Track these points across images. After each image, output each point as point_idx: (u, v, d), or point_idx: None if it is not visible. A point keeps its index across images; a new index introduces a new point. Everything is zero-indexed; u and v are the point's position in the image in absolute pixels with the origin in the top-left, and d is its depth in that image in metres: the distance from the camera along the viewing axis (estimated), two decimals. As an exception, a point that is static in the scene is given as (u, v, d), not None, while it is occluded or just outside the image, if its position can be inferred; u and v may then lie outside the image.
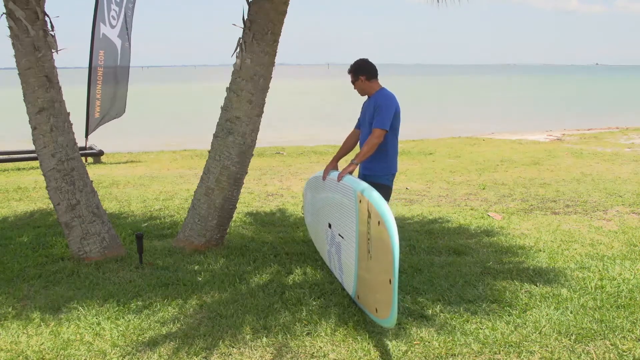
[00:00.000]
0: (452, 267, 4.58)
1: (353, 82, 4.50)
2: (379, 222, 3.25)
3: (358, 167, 4.33)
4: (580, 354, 3.17)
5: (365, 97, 4.51)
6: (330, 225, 4.26)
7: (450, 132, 17.24)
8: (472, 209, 6.79)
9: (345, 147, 4.64)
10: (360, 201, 3.56)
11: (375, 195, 3.44)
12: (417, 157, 11.89)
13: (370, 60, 4.47)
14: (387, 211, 3.24)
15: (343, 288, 4.11)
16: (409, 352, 3.21)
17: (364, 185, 3.70)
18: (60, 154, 4.68)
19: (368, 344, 3.30)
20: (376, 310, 3.36)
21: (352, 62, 4.54)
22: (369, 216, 3.38)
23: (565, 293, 3.99)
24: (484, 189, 8.15)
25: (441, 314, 3.69)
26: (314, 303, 3.88)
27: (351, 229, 3.71)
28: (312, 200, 4.91)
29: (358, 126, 4.61)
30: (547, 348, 3.23)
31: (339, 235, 4.03)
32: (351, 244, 3.73)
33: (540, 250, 5.05)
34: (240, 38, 4.88)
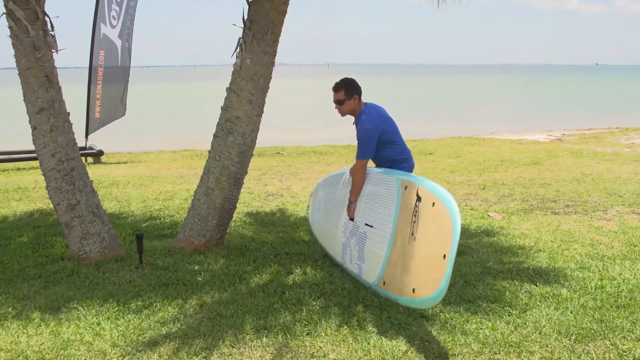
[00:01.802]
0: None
1: (342, 101, 4.34)
2: (433, 204, 3.46)
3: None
4: (580, 354, 3.17)
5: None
6: (352, 218, 4.36)
7: (450, 132, 17.24)
8: (472, 209, 6.79)
9: None
10: (405, 187, 3.78)
11: (426, 181, 3.69)
12: (417, 157, 11.88)
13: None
14: (444, 193, 3.46)
15: (344, 288, 4.11)
16: (409, 352, 3.21)
17: (409, 174, 4.01)
18: (60, 154, 4.68)
19: (368, 344, 3.31)
20: (413, 290, 3.42)
21: (341, 79, 4.43)
22: (418, 200, 3.58)
23: (565, 293, 3.99)
24: (484, 189, 8.15)
25: (441, 314, 3.69)
26: (314, 303, 3.88)
27: (388, 216, 3.87)
28: (327, 197, 4.96)
29: None
30: (547, 348, 3.23)
31: (366, 224, 4.13)
32: (385, 230, 3.87)
33: (540, 250, 5.05)
34: (240, 38, 4.88)
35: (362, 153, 4.28)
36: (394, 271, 3.70)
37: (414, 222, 3.55)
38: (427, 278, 3.33)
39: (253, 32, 4.81)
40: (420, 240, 3.49)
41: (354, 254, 4.26)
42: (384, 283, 3.81)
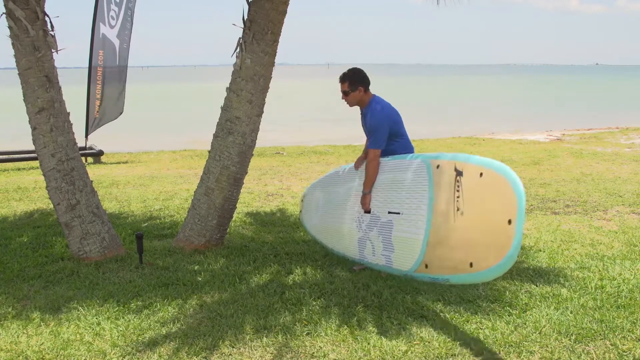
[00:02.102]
0: (452, 267, 4.57)
1: (347, 92, 4.37)
2: (480, 174, 3.40)
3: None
4: (580, 354, 3.17)
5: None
6: (369, 210, 4.31)
7: (450, 132, 17.24)
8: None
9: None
10: (437, 166, 3.72)
11: (461, 155, 3.65)
12: (417, 157, 11.87)
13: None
14: (492, 161, 3.41)
15: (344, 288, 4.11)
16: (409, 352, 3.21)
17: (436, 153, 3.90)
18: (60, 154, 4.68)
19: (368, 344, 3.31)
20: (471, 264, 3.32)
21: (348, 68, 4.45)
22: (459, 174, 3.51)
23: (565, 293, 3.99)
24: (484, 189, 8.14)
25: (441, 314, 3.69)
26: (314, 303, 3.88)
27: (419, 198, 3.80)
28: (327, 197, 4.91)
29: None
30: (547, 348, 3.23)
31: (390, 212, 4.06)
32: (418, 213, 3.79)
33: (540, 250, 5.05)
34: (240, 38, 4.88)
35: (376, 142, 4.26)
36: (438, 252, 3.60)
37: (458, 197, 3.48)
38: (487, 248, 3.24)
39: (253, 32, 4.81)
40: (471, 213, 3.42)
41: (378, 246, 4.17)
42: (426, 266, 3.69)
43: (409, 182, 3.97)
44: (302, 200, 5.35)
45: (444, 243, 3.58)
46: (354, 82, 4.36)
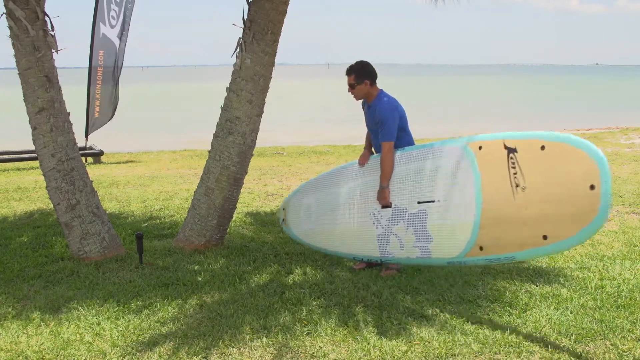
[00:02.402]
0: (452, 267, 4.57)
1: (353, 85, 4.36)
2: (542, 147, 3.32)
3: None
4: (580, 354, 3.17)
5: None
6: (389, 204, 4.21)
7: (450, 132, 17.23)
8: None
9: (367, 138, 4.66)
10: (480, 147, 3.64)
11: (503, 133, 3.58)
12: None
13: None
14: (550, 133, 3.36)
15: (344, 288, 4.11)
16: (409, 352, 3.21)
17: (467, 137, 3.86)
18: (60, 154, 4.68)
19: (368, 344, 3.31)
20: (545, 237, 3.28)
21: (353, 62, 4.43)
22: (512, 151, 3.44)
23: (565, 293, 3.99)
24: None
25: (441, 314, 3.69)
26: (314, 303, 3.88)
27: (462, 182, 3.70)
28: (324, 199, 4.73)
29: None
30: (547, 348, 3.23)
31: (420, 202, 3.97)
32: (464, 197, 3.67)
33: (540, 250, 5.04)
34: (240, 38, 4.88)
35: (389, 134, 4.23)
36: (496, 231, 3.52)
37: (515, 174, 3.41)
38: (564, 219, 3.21)
39: (253, 32, 4.81)
40: (537, 187, 3.35)
41: (408, 239, 4.05)
42: (481, 248, 3.59)
43: (444, 169, 3.86)
44: (283, 209, 5.19)
45: (503, 222, 3.49)
46: (360, 75, 4.34)
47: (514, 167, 3.43)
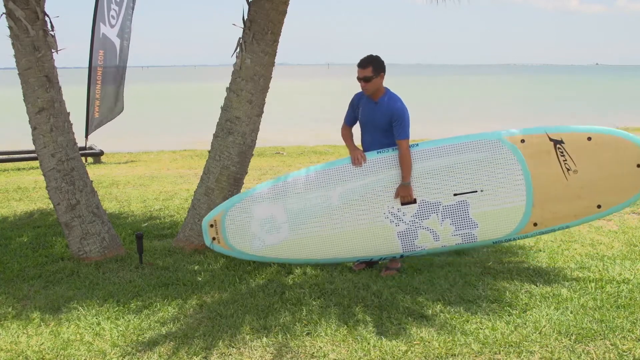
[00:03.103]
0: (452, 267, 4.58)
1: (369, 79, 4.18)
2: (589, 138, 4.21)
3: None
4: (580, 354, 3.17)
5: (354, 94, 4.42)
6: (414, 200, 4.28)
7: (450, 132, 17.22)
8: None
9: (350, 137, 4.57)
10: (522, 141, 4.24)
11: (537, 127, 4.29)
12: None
13: None
14: (589, 127, 4.25)
15: (343, 288, 4.11)
16: (409, 352, 3.21)
17: (498, 131, 4.33)
18: (60, 154, 4.68)
19: (368, 344, 3.31)
20: (599, 206, 4.22)
21: (357, 60, 4.32)
22: (558, 143, 4.21)
23: (565, 293, 3.99)
24: (484, 189, 8.14)
25: (441, 314, 3.69)
26: (314, 303, 3.88)
27: (510, 171, 4.22)
28: (315, 202, 4.34)
29: (349, 122, 4.54)
30: (547, 348, 3.23)
31: (455, 195, 4.25)
32: (514, 184, 4.21)
33: (540, 250, 5.05)
34: (240, 38, 4.89)
35: (406, 131, 4.22)
36: (551, 208, 4.25)
37: (564, 160, 4.19)
38: (616, 190, 4.21)
39: (253, 32, 4.81)
40: (588, 169, 4.20)
41: (445, 230, 4.28)
42: (535, 224, 4.28)
43: (482, 162, 4.23)
44: (210, 226, 4.49)
45: (556, 200, 4.24)
46: (378, 68, 4.21)
47: (563, 155, 4.21)
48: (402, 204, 4.28)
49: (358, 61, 4.31)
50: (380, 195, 4.32)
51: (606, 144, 4.20)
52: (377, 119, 4.31)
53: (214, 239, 4.50)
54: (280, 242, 4.42)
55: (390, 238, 4.35)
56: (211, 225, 4.50)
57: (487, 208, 4.26)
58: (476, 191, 4.25)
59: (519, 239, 4.43)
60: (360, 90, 4.38)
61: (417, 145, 4.34)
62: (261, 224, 4.41)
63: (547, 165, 4.22)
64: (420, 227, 4.31)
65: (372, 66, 4.20)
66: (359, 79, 4.25)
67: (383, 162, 4.33)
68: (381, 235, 4.35)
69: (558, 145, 4.21)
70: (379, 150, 4.35)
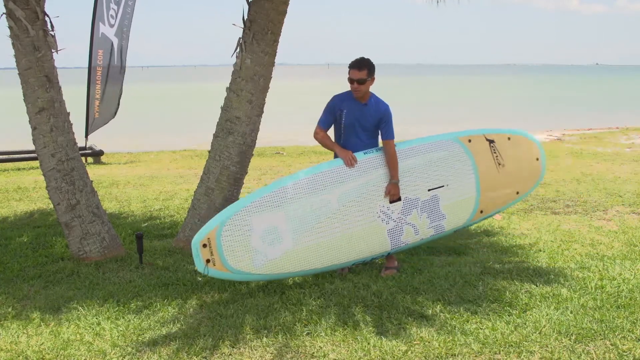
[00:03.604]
0: (452, 267, 4.58)
1: (363, 81, 4.18)
2: (508, 138, 4.95)
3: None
4: (580, 354, 3.17)
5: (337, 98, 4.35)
6: (399, 198, 4.42)
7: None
8: (472, 209, 6.78)
9: (330, 139, 4.45)
10: (469, 140, 4.77)
11: (480, 129, 4.91)
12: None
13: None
14: (509, 129, 5.08)
15: (343, 288, 4.11)
16: (409, 352, 3.21)
17: (460, 131, 4.85)
18: (60, 154, 4.68)
19: (368, 344, 3.31)
20: (517, 192, 5.00)
21: (360, 57, 4.28)
22: (491, 142, 4.85)
23: (565, 293, 3.99)
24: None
25: (441, 314, 3.69)
26: (314, 303, 3.88)
27: (463, 167, 4.70)
28: (312, 208, 4.12)
29: (326, 126, 4.40)
30: (547, 348, 3.23)
31: (430, 190, 4.53)
32: (467, 177, 4.71)
33: (540, 250, 5.05)
34: (240, 38, 4.89)
35: (392, 132, 4.38)
36: (490, 196, 4.84)
37: (496, 156, 4.85)
38: (526, 179, 5.04)
39: (253, 32, 4.82)
40: (510, 163, 4.91)
41: (422, 223, 4.50)
42: (482, 211, 4.82)
43: (446, 159, 4.64)
44: (203, 246, 3.87)
45: (493, 189, 4.86)
46: (371, 70, 4.26)
47: (494, 152, 4.88)
48: (391, 202, 4.37)
49: (350, 63, 4.29)
50: (373, 195, 4.34)
51: (518, 143, 5.01)
52: (367, 120, 4.33)
53: (208, 261, 3.88)
54: (283, 254, 4.04)
55: (381, 237, 4.37)
56: (204, 245, 3.86)
57: (451, 200, 4.65)
58: (443, 186, 4.60)
59: (469, 225, 4.99)
60: (338, 93, 4.40)
61: (396, 145, 4.44)
62: (262, 235, 3.99)
63: (487, 161, 4.84)
64: (405, 222, 4.45)
65: (367, 69, 4.24)
66: (352, 80, 4.23)
67: (372, 162, 4.35)
68: (374, 235, 4.36)
69: (491, 144, 4.88)
70: (365, 151, 4.36)
